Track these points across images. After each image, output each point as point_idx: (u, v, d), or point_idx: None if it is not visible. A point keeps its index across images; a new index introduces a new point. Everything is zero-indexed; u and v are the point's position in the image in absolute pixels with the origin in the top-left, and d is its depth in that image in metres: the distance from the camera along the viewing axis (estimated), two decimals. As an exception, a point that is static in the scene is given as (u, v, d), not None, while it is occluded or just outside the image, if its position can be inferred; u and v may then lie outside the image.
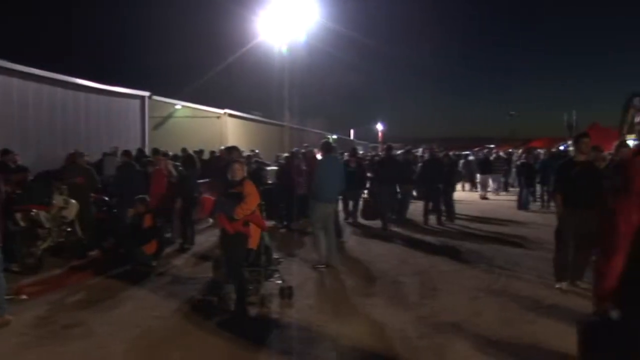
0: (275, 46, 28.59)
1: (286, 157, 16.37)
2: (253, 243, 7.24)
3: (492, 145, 34.77)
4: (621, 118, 31.40)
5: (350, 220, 15.87)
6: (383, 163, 15.65)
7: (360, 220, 15.38)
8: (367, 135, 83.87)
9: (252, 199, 7.06)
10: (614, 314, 3.22)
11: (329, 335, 6.41)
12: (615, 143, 11.20)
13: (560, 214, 8.15)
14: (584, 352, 3.38)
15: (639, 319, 3.07)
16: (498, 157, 25.57)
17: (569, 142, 34.81)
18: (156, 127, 26.25)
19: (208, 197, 8.31)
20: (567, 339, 5.36)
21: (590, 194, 7.58)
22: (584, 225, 7.46)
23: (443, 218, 15.57)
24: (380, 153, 25.18)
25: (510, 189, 25.48)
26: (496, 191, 24.02)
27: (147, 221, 10.03)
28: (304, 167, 14.22)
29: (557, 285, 8.08)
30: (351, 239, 13.06)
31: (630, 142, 27.56)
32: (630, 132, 30.21)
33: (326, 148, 10.51)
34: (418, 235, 13.41)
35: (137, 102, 24.13)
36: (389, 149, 16.18)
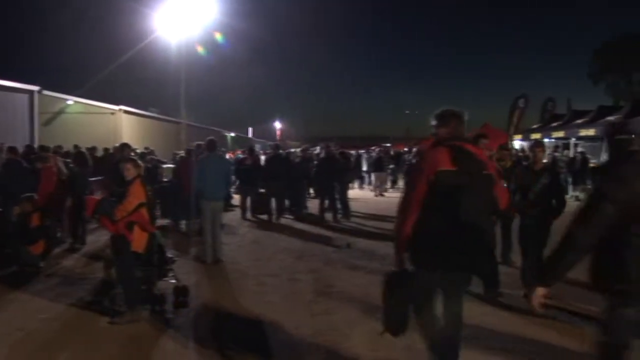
0: (172, 42, 28.05)
1: (181, 155, 16.18)
2: (138, 246, 6.95)
3: (388, 144, 35.56)
4: (508, 119, 32.93)
5: (247, 216, 16.09)
6: (270, 161, 16.58)
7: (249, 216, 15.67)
8: (266, 133, 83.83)
9: (133, 199, 6.84)
10: (409, 267, 4.34)
11: (223, 334, 6.39)
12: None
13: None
14: (387, 297, 4.48)
15: (422, 269, 4.28)
16: (385, 155, 26.11)
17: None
18: (47, 123, 25.29)
19: (92, 197, 8.08)
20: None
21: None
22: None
23: (339, 216, 15.82)
24: (268, 151, 25.38)
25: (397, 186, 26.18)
26: (379, 188, 24.35)
27: (35, 220, 9.62)
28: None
29: None
30: (248, 236, 13.06)
31: (517, 143, 28.99)
32: (516, 133, 31.75)
33: (210, 146, 10.58)
34: (315, 233, 13.53)
35: (26, 96, 23.17)
36: (276, 147, 17.31)
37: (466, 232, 4.13)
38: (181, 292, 7.37)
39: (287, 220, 15.73)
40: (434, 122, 4.55)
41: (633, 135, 3.67)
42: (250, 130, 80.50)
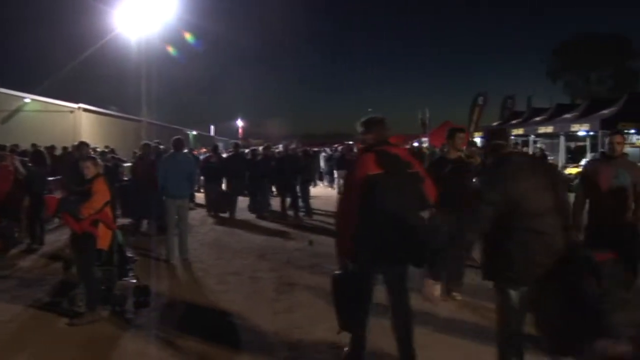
0: (132, 39, 27.79)
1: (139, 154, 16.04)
2: (103, 243, 6.92)
3: (351, 142, 35.65)
4: (469, 116, 33.35)
5: (212, 213, 16.28)
6: (231, 159, 17.04)
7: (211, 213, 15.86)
8: (228, 131, 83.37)
9: (99, 197, 6.80)
10: (351, 267, 4.75)
11: (185, 334, 6.35)
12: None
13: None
14: (336, 297, 4.90)
15: (364, 267, 4.71)
16: (349, 153, 26.12)
17: (423, 139, 36.51)
18: (3, 121, 24.85)
19: (52, 196, 7.96)
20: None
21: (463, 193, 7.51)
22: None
23: (301, 214, 15.84)
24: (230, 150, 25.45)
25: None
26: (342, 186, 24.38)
27: (-9, 220, 9.45)
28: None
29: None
30: (210, 235, 13.01)
31: (477, 140, 29.33)
32: (476, 130, 32.15)
33: (176, 145, 10.62)
34: (277, 231, 13.53)
35: (-21, 95, 22.69)
36: (237, 146, 17.88)
37: (398, 228, 4.52)
38: (142, 291, 7.31)
39: (249, 218, 15.67)
40: (361, 130, 4.99)
41: (507, 142, 4.16)
42: (212, 128, 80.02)
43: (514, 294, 3.88)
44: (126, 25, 27.45)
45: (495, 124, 35.14)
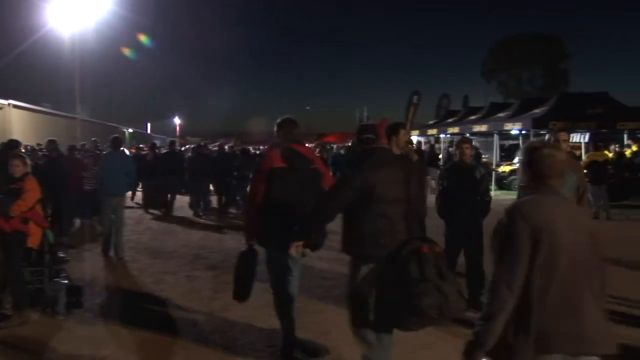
0: (65, 35, 27.12)
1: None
2: (33, 242, 6.78)
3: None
4: (405, 115, 33.74)
5: (151, 211, 16.46)
6: (166, 156, 17.36)
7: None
8: (165, 129, 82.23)
9: (31, 195, 6.66)
10: (257, 246, 5.42)
11: (119, 335, 6.27)
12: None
13: None
14: (237, 271, 5.62)
15: (269, 249, 5.37)
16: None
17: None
18: None
19: None
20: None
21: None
22: None
23: (239, 212, 15.81)
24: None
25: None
26: None
27: None
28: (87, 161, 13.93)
29: None
30: (146, 234, 12.87)
31: (414, 139, 29.74)
32: (412, 129, 32.56)
33: (115, 144, 10.59)
34: (214, 229, 13.46)
35: None
36: (172, 144, 18.19)
37: (297, 215, 4.91)
38: (74, 292, 7.17)
39: (186, 217, 15.58)
40: (275, 129, 5.68)
41: (376, 136, 4.74)
42: (148, 125, 78.83)
43: (364, 268, 4.41)
44: (59, 20, 26.79)
45: (431, 122, 35.70)
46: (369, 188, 4.32)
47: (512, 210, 2.94)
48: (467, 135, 27.80)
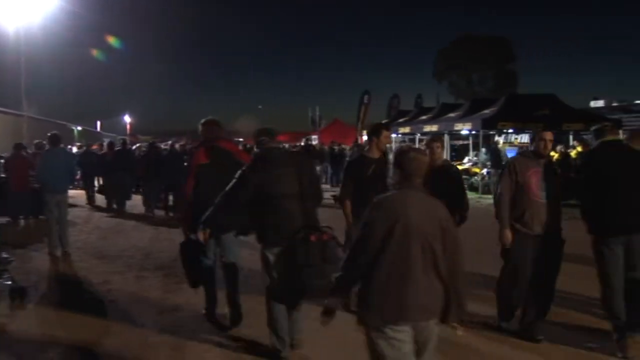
0: (10, 29, 26.40)
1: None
2: None
3: (241, 139, 35.50)
4: (357, 115, 33.99)
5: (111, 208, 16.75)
6: (117, 155, 17.41)
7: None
8: (115, 127, 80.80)
9: None
10: (193, 236, 5.77)
11: (64, 336, 6.12)
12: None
13: (349, 221, 6.52)
14: (183, 262, 6.15)
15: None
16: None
17: (314, 137, 36.89)
18: None
19: None
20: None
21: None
22: None
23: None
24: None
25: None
26: None
27: None
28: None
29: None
30: (95, 233, 12.66)
31: (366, 138, 29.91)
32: (364, 128, 32.81)
33: (52, 141, 10.59)
34: (164, 229, 13.27)
35: None
36: (124, 142, 18.64)
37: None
38: (17, 293, 7.00)
39: (136, 216, 15.40)
40: (200, 129, 6.34)
41: (270, 138, 5.49)
42: (98, 123, 77.39)
43: (269, 255, 5.14)
44: (4, 15, 26.05)
45: (384, 121, 35.99)
46: (264, 185, 5.07)
47: (375, 202, 3.53)
48: (419, 135, 28.16)
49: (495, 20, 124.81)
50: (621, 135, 8.38)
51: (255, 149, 6.06)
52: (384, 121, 33.98)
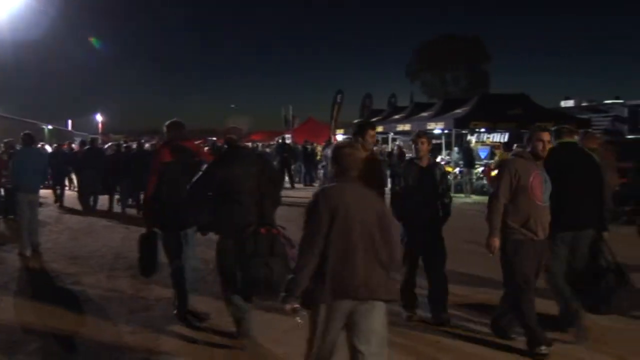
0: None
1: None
2: None
3: (214, 138, 35.39)
4: (331, 114, 34.03)
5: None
6: (86, 153, 17.55)
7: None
8: (87, 126, 79.84)
9: None
10: (156, 230, 6.33)
11: (36, 337, 6.14)
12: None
13: None
14: (140, 250, 6.48)
15: (162, 230, 6.34)
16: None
17: (287, 136, 36.86)
18: None
19: None
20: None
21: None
22: None
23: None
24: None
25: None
26: None
27: None
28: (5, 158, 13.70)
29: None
30: (65, 233, 12.62)
31: (340, 137, 30.00)
32: (337, 127, 32.88)
33: (26, 140, 10.64)
34: (136, 229, 13.17)
35: None
36: (93, 141, 18.93)
37: (179, 201, 6.01)
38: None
39: (108, 215, 15.36)
40: (164, 129, 6.68)
41: (238, 137, 5.99)
42: (69, 122, 76.46)
43: (223, 245, 5.52)
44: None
45: (355, 121, 36.07)
46: (227, 180, 5.49)
47: (317, 194, 3.89)
48: (392, 134, 28.31)
49: (467, 20, 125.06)
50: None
51: (224, 147, 6.37)
52: (355, 121, 34.24)
